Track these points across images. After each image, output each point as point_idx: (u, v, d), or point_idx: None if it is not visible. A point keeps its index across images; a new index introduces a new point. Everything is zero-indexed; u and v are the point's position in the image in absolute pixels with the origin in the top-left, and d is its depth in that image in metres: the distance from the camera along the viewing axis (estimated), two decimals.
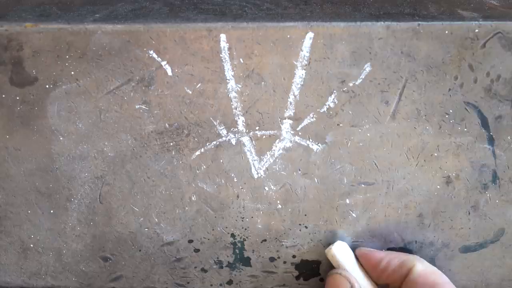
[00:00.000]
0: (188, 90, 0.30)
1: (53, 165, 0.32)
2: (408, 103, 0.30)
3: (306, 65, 0.29)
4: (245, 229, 0.33)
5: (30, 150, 0.32)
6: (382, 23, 0.29)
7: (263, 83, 0.30)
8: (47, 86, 0.30)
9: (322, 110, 0.30)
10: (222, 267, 0.34)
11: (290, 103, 0.30)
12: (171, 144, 0.31)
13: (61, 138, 0.31)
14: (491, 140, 0.31)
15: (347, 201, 0.32)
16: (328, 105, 0.30)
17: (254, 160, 0.31)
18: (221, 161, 0.31)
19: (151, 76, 0.30)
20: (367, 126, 0.30)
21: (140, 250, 0.33)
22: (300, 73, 0.29)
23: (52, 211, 0.33)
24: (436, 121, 0.30)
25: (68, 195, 0.32)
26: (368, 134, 0.31)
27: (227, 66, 0.29)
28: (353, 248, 0.32)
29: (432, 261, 0.33)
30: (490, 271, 0.34)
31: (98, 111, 0.31)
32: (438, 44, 0.29)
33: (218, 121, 0.31)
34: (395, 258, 0.31)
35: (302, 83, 0.30)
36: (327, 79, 0.30)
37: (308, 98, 0.30)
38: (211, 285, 0.34)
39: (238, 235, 0.33)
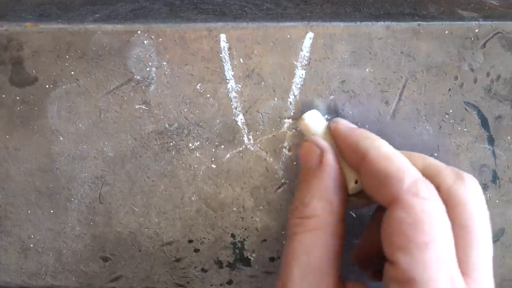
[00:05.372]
0: (188, 90, 0.30)
1: (53, 165, 0.32)
2: (408, 103, 0.30)
3: (306, 65, 0.29)
4: (245, 229, 0.33)
5: (30, 150, 0.32)
6: (382, 23, 0.29)
7: (263, 83, 0.30)
8: (47, 86, 0.30)
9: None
10: (222, 267, 0.34)
11: (290, 103, 0.30)
12: (171, 144, 0.31)
13: (61, 138, 0.31)
14: (491, 140, 0.31)
15: None
16: (328, 105, 0.30)
17: (254, 160, 0.31)
18: (221, 161, 0.31)
19: (151, 76, 0.30)
20: (367, 126, 0.30)
21: (140, 250, 0.33)
22: (300, 73, 0.29)
23: (52, 211, 0.33)
24: (436, 121, 0.30)
25: (68, 195, 0.32)
26: None
27: (227, 66, 0.29)
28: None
29: None
30: None
31: (98, 111, 0.31)
32: (438, 44, 0.29)
33: (218, 121, 0.31)
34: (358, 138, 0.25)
35: (302, 83, 0.30)
36: (327, 79, 0.30)
37: (308, 98, 0.30)
38: (211, 285, 0.34)
39: (238, 235, 0.33)
